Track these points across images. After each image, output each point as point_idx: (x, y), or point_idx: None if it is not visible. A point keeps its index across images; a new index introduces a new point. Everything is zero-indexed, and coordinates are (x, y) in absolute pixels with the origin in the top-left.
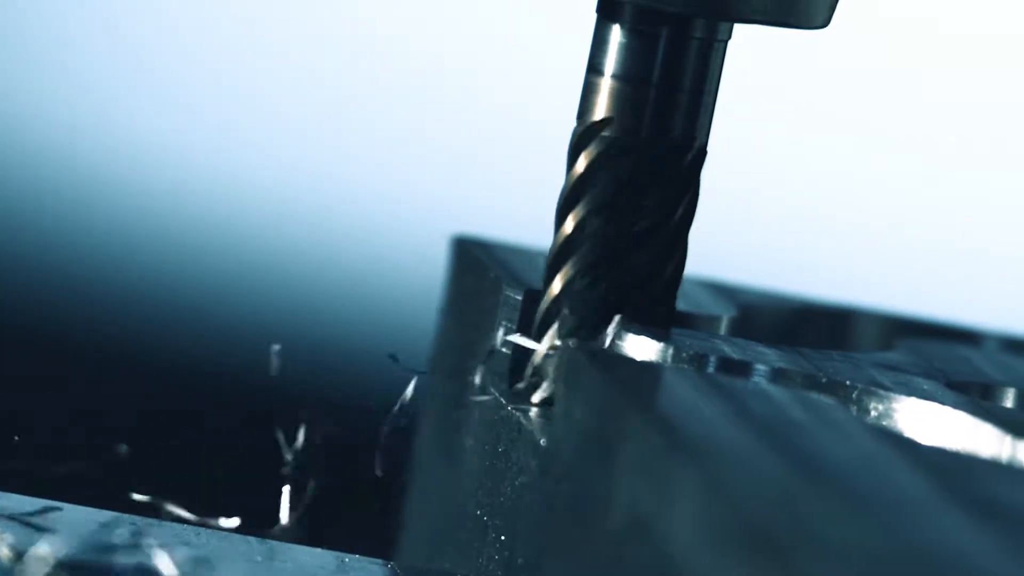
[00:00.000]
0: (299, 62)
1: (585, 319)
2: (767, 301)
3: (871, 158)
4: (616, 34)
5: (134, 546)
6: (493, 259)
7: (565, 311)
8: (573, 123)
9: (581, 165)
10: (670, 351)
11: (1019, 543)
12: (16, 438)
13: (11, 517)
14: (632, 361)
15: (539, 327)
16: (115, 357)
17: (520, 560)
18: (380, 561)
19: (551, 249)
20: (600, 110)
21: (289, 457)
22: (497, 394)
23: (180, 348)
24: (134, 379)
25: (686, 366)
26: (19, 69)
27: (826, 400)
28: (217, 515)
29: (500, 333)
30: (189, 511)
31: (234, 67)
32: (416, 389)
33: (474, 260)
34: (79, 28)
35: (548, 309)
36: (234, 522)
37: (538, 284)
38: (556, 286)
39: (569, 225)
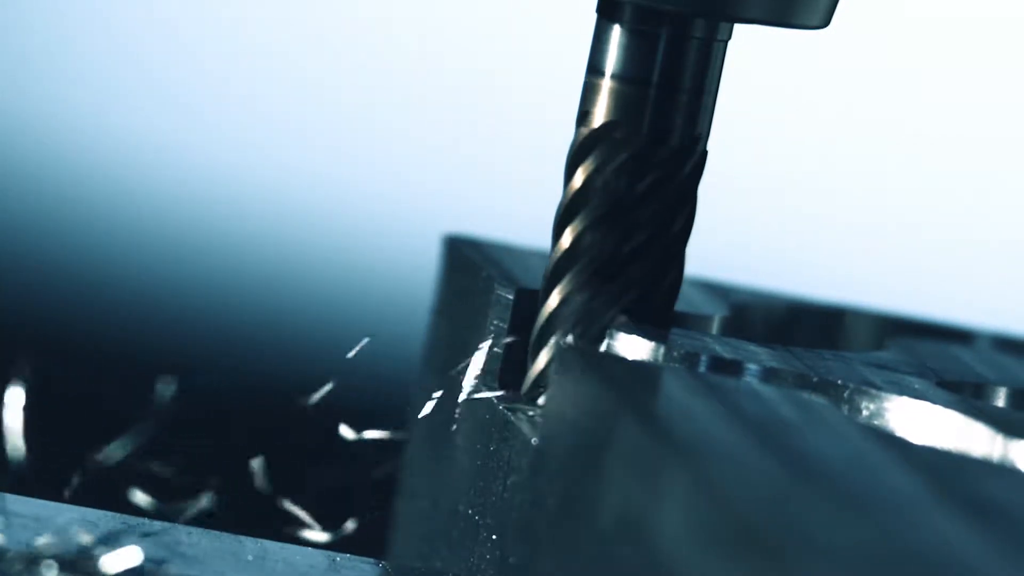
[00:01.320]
0: (299, 62)
1: (584, 326)
2: (759, 300)
3: (866, 158)
4: (616, 34)
5: (125, 545)
6: (485, 258)
7: (564, 318)
8: (572, 124)
9: (580, 174)
10: (662, 350)
11: (1010, 542)
12: None
13: (6, 515)
14: (624, 360)
15: (537, 338)
16: (115, 357)
17: (511, 559)
18: (371, 560)
19: (550, 263)
20: (600, 110)
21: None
22: (489, 394)
23: (179, 347)
24: (133, 378)
25: (678, 365)
26: (19, 69)
27: (818, 399)
28: (213, 515)
29: (491, 332)
30: (183, 511)
31: (233, 67)
32: (407, 388)
33: (466, 259)
34: (79, 28)
35: (546, 321)
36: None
37: (530, 284)
38: (554, 300)
39: (567, 239)
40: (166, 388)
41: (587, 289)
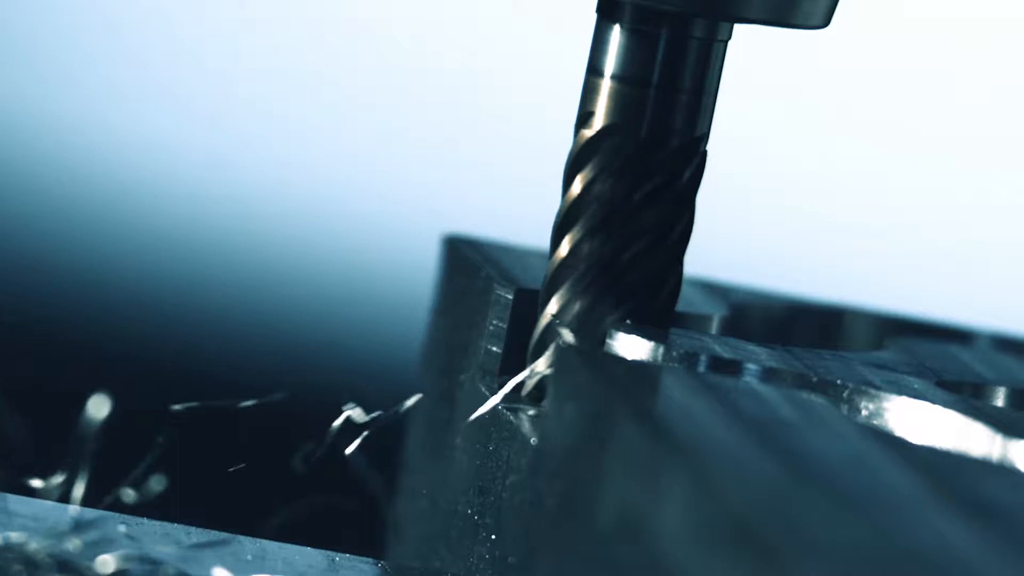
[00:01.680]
0: (299, 62)
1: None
2: (758, 300)
3: (866, 158)
4: (616, 34)
5: (124, 545)
6: (484, 258)
7: (563, 325)
8: (572, 124)
9: (578, 182)
10: (661, 350)
11: (1010, 542)
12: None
13: (6, 515)
14: (623, 360)
15: (536, 345)
16: (114, 357)
17: (510, 559)
18: (371, 560)
19: (549, 270)
20: (600, 111)
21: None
22: (488, 393)
23: (178, 347)
24: (132, 378)
25: (677, 365)
26: (19, 69)
27: (817, 399)
28: (213, 514)
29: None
30: (181, 510)
31: (233, 67)
32: (405, 386)
33: (465, 259)
34: (79, 28)
35: (545, 328)
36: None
37: (529, 283)
38: (553, 306)
39: (565, 247)
40: (100, 406)
41: (586, 296)
